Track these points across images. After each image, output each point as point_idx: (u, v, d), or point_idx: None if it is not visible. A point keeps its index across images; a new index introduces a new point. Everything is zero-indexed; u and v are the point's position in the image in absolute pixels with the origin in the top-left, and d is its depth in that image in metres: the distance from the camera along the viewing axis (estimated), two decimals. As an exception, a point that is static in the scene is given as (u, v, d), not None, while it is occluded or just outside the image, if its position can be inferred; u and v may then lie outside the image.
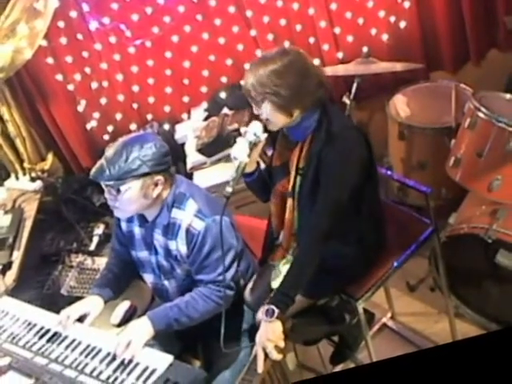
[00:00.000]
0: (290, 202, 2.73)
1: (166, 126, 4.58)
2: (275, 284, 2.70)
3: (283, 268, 2.72)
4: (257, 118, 2.68)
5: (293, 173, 2.70)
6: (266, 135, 2.63)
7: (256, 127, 2.62)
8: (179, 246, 2.69)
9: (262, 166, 2.87)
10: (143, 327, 2.65)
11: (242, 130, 2.67)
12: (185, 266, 2.74)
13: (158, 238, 2.75)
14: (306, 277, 2.56)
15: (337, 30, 4.38)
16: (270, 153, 2.94)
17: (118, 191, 2.57)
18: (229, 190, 2.49)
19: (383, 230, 2.91)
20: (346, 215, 2.59)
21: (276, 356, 2.41)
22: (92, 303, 2.84)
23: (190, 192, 2.71)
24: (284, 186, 2.76)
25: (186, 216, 2.65)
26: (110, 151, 2.59)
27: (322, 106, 2.61)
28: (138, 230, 2.84)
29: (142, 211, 2.73)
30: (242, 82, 2.63)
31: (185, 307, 2.70)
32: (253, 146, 2.61)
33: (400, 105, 3.97)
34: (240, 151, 2.58)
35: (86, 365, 2.56)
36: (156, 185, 2.61)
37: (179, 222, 2.67)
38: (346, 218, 2.61)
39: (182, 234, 2.66)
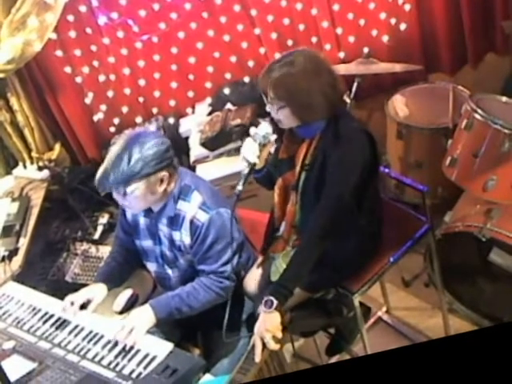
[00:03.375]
0: (293, 195, 2.75)
1: (171, 120, 4.60)
2: (275, 276, 2.74)
3: (283, 260, 2.74)
4: (261, 114, 2.69)
5: (298, 168, 2.70)
6: (275, 136, 2.65)
7: (266, 129, 2.63)
8: (183, 236, 2.72)
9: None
10: (145, 315, 2.68)
11: (252, 131, 2.67)
12: (188, 256, 2.77)
13: (163, 229, 2.78)
14: (306, 271, 2.57)
15: (339, 31, 4.42)
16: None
17: (125, 193, 2.59)
18: (239, 188, 2.54)
19: (380, 226, 2.92)
20: (348, 212, 2.61)
21: (274, 346, 2.43)
22: (95, 290, 2.85)
23: (194, 184, 2.73)
24: (289, 178, 2.76)
25: (191, 208, 2.68)
26: (111, 154, 2.59)
27: None
28: (142, 220, 2.86)
29: (151, 205, 2.75)
30: (260, 79, 2.59)
31: (186, 297, 2.72)
32: (262, 147, 2.64)
33: (399, 105, 3.97)
34: (250, 153, 2.61)
35: (89, 350, 2.58)
36: (162, 181, 2.63)
37: (184, 214, 2.69)
38: (348, 215, 2.62)
39: (187, 225, 2.69)
